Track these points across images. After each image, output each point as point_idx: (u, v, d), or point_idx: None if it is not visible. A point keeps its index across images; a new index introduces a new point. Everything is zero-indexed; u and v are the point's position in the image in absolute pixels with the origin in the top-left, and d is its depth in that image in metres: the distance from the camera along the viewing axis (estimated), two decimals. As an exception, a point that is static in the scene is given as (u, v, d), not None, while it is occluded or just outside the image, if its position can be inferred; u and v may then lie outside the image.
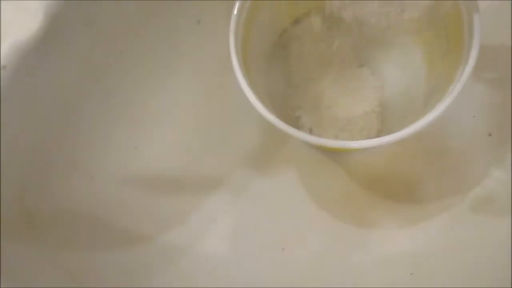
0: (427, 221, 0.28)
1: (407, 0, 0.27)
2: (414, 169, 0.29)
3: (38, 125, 0.27)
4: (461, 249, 0.27)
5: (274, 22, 0.30)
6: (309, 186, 0.30)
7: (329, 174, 0.30)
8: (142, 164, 0.30)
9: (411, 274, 0.27)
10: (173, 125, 0.31)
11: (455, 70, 0.24)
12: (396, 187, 0.29)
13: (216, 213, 0.30)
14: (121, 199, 0.29)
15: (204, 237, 0.29)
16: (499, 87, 0.29)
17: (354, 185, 0.30)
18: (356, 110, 0.29)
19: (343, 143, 0.23)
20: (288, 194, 0.30)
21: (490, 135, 0.29)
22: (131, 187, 0.30)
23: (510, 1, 0.28)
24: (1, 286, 0.22)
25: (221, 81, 0.31)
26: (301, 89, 0.30)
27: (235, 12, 0.25)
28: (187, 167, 0.31)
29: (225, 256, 0.29)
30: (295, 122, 0.30)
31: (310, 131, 0.30)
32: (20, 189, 0.26)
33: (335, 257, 0.28)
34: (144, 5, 0.28)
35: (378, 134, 0.29)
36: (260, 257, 0.29)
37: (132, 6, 0.28)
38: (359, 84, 0.30)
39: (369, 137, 0.29)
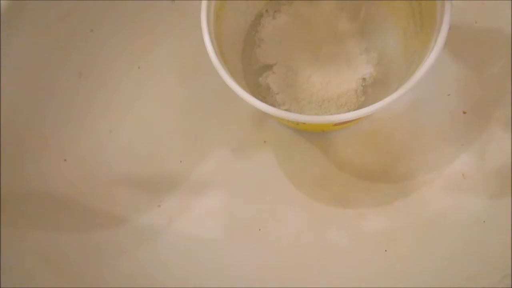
0: (402, 198, 0.28)
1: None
2: (389, 148, 0.29)
3: (9, 105, 0.26)
4: (435, 225, 0.27)
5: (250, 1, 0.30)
6: (285, 167, 0.30)
7: (306, 155, 0.30)
8: (117, 146, 0.30)
9: (385, 251, 0.27)
10: (148, 107, 0.31)
11: (427, 48, 0.24)
12: (371, 166, 0.29)
13: (192, 195, 0.29)
14: (95, 181, 0.29)
15: (180, 218, 0.29)
16: (473, 66, 0.29)
17: (330, 166, 0.30)
18: (334, 89, 0.29)
19: (318, 118, 0.23)
20: (264, 175, 0.30)
21: (464, 113, 0.29)
22: (106, 169, 0.30)
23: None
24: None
25: (196, 62, 0.31)
26: (278, 67, 0.30)
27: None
28: (161, 150, 0.30)
29: (201, 237, 0.29)
30: (271, 102, 0.30)
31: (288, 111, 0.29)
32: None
33: (311, 236, 0.28)
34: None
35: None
36: (236, 238, 0.29)
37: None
38: (338, 62, 0.29)
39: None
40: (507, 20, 0.28)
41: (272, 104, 0.29)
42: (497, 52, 0.29)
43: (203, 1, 0.25)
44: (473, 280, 0.23)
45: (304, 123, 0.26)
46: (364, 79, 0.29)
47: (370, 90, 0.29)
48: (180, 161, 0.30)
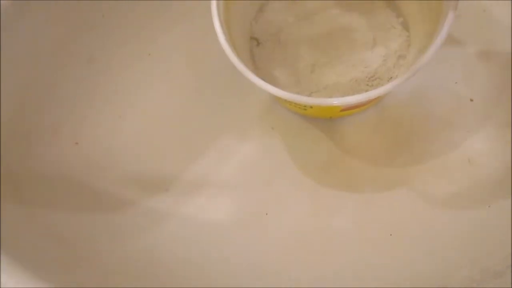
0: (408, 184, 0.28)
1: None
2: (396, 135, 0.29)
3: (21, 89, 0.27)
4: (440, 210, 0.27)
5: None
6: (293, 153, 0.30)
7: (313, 141, 0.30)
8: (126, 131, 0.31)
9: (390, 235, 0.27)
10: (157, 93, 0.31)
11: (432, 38, 0.24)
12: (378, 152, 0.29)
13: (200, 179, 0.30)
14: (105, 165, 0.29)
15: (188, 202, 0.29)
16: (480, 54, 0.29)
17: (337, 152, 0.30)
18: (344, 76, 0.29)
19: (323, 100, 0.23)
20: (272, 161, 0.30)
21: (471, 100, 0.29)
22: (116, 153, 0.30)
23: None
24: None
25: (206, 49, 0.31)
26: (287, 52, 0.30)
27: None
28: (171, 134, 0.31)
29: (209, 221, 0.29)
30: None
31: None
32: (3, 151, 0.26)
33: (317, 221, 0.29)
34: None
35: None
36: (243, 222, 0.29)
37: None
38: (348, 50, 0.30)
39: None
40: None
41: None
42: (504, 40, 0.29)
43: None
44: (477, 263, 0.24)
45: (311, 107, 0.26)
46: (371, 69, 0.29)
47: (379, 79, 0.30)
48: (188, 146, 0.31)
